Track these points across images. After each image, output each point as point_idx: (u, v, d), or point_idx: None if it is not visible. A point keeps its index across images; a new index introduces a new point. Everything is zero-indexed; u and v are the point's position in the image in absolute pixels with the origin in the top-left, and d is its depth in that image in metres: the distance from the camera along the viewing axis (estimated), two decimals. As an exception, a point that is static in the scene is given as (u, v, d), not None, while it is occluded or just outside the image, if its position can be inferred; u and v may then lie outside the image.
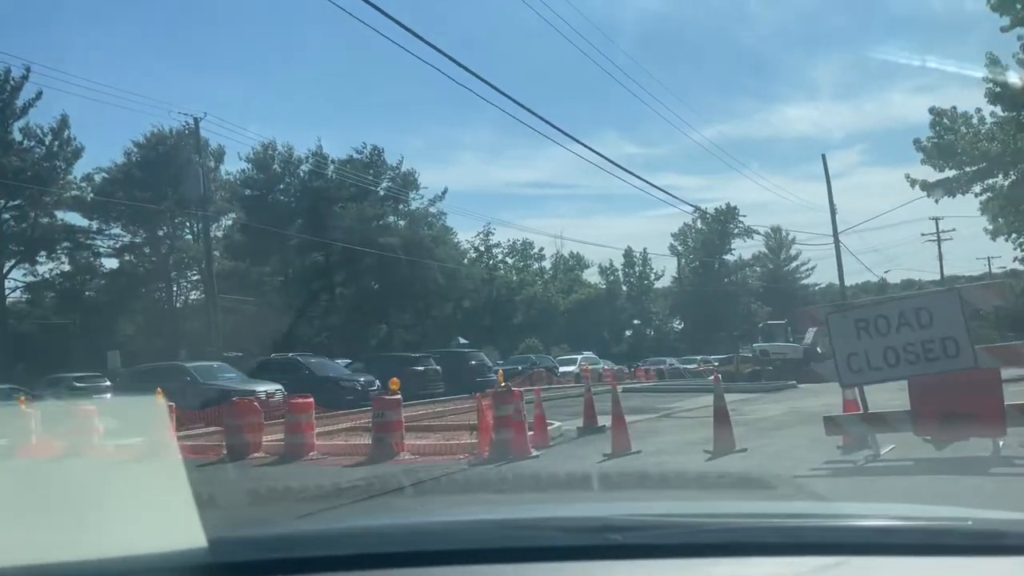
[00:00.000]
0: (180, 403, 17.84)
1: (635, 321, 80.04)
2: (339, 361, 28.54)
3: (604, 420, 13.55)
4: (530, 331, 68.09)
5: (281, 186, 52.66)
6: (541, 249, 78.24)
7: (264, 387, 19.83)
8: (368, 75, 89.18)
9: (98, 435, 16.72)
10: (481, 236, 70.66)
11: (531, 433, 11.58)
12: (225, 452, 13.34)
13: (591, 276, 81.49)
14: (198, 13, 75.05)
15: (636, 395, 25.61)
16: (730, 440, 9.26)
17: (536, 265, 79.77)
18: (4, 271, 42.20)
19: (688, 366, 47.83)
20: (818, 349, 34.16)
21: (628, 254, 78.19)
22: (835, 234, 41.71)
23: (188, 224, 47.96)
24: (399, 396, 12.10)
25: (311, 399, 13.14)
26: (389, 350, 44.62)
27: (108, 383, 27.67)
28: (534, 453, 10.84)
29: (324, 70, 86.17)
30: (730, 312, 75.81)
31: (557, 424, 13.57)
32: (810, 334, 34.68)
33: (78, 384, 28.95)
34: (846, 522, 1.91)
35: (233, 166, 54.02)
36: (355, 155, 55.04)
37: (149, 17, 71.78)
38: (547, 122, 18.24)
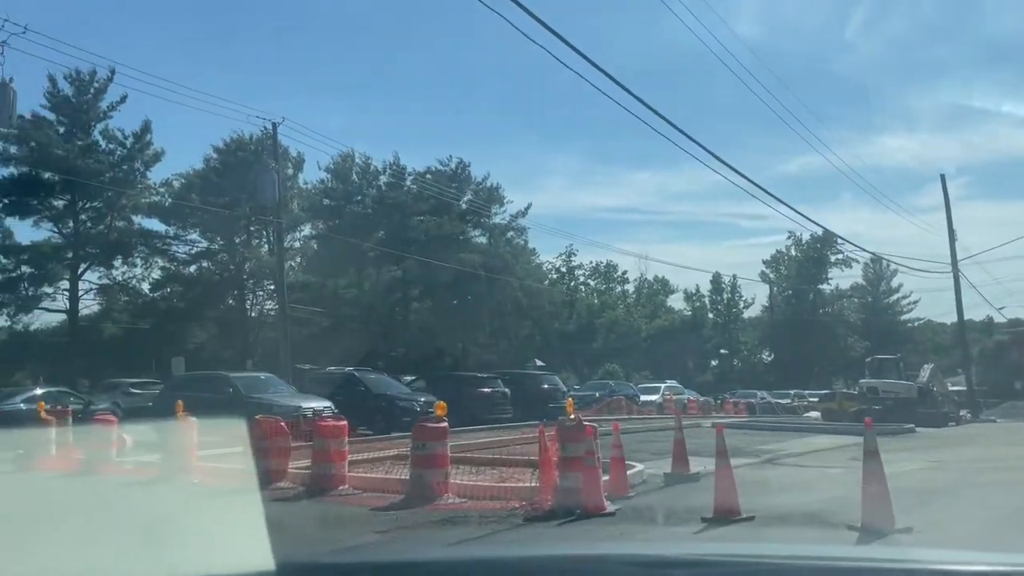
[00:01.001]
0: (220, 415, 16.18)
1: (722, 350, 76.28)
2: (405, 378, 26.63)
3: (697, 464, 11.08)
4: (610, 356, 65.35)
5: (359, 197, 51.57)
6: (624, 272, 75.44)
7: (311, 404, 17.94)
8: (457, 98, 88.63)
9: (118, 449, 15.17)
10: (563, 257, 68.42)
11: (605, 477, 9.20)
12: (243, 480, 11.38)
13: (676, 302, 78.26)
14: (284, 19, 75.69)
15: (728, 432, 22.85)
16: (886, 510, 6.65)
17: (619, 288, 76.93)
18: (79, 273, 42.08)
19: (781, 401, 44.26)
20: (933, 388, 30.58)
21: (716, 280, 74.58)
22: (954, 262, 37.61)
23: (264, 232, 47.21)
24: (445, 424, 9.89)
25: (344, 423, 11.09)
26: (464, 370, 42.58)
27: (163, 390, 26.38)
28: (609, 507, 8.45)
29: (416, 90, 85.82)
30: (825, 345, 71.36)
31: (639, 467, 11.13)
32: (925, 371, 31.10)
33: (134, 390, 27.83)
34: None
35: (311, 176, 53.26)
36: (440, 166, 53.66)
37: (237, 20, 72.49)
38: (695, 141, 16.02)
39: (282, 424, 11.38)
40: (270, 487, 10.90)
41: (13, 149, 39.92)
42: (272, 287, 45.57)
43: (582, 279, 73.38)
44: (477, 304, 53.90)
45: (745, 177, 18.80)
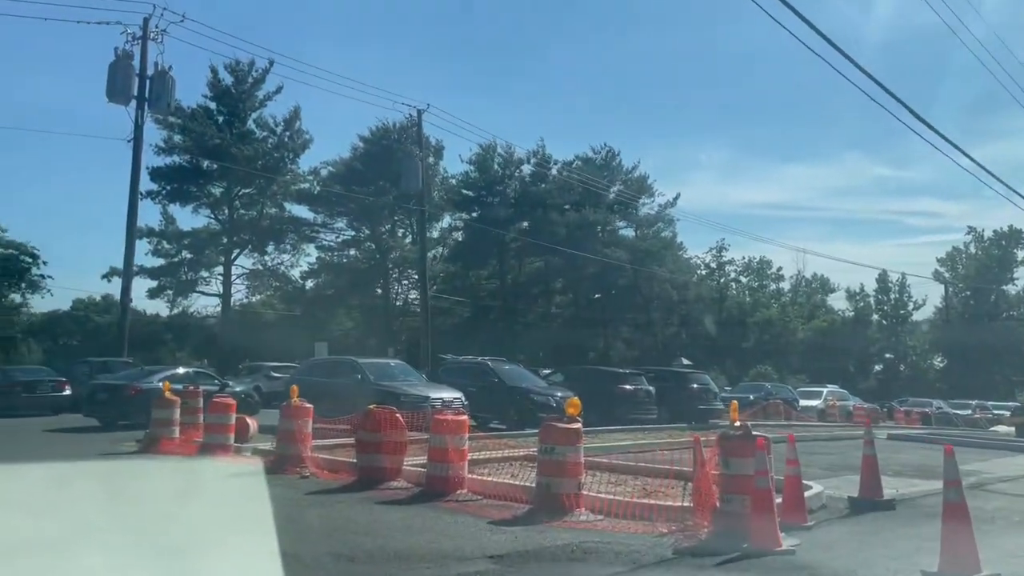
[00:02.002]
0: (347, 403, 15.32)
1: (887, 355, 70.51)
2: (542, 371, 25.21)
3: (889, 487, 8.97)
4: (762, 357, 61.61)
5: (501, 187, 50.69)
6: (779, 269, 71.06)
7: (441, 394, 16.79)
8: (605, 88, 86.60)
9: (242, 434, 14.50)
10: (713, 252, 65.10)
11: (777, 500, 7.32)
12: (356, 475, 10.24)
13: (837, 301, 73.08)
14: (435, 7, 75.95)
15: (906, 445, 19.99)
16: None
17: (773, 286, 72.65)
18: (233, 259, 43.39)
19: (960, 412, 39.70)
20: None
21: (882, 279, 68.95)
22: None
23: (408, 222, 47.22)
24: (579, 425, 8.29)
25: (464, 418, 9.69)
26: (605, 366, 40.79)
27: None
28: (786, 544, 6.58)
29: (559, 78, 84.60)
30: (1008, 351, 64.37)
31: (816, 488, 9.10)
32: None
33: (275, 374, 27.91)
34: None
35: (453, 165, 52.99)
36: (591, 154, 51.92)
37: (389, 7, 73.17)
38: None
39: (398, 416, 10.12)
40: (381, 486, 9.71)
41: (177, 138, 41.58)
42: (416, 276, 45.50)
43: (733, 275, 69.74)
44: (621, 298, 51.98)
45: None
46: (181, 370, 21.73)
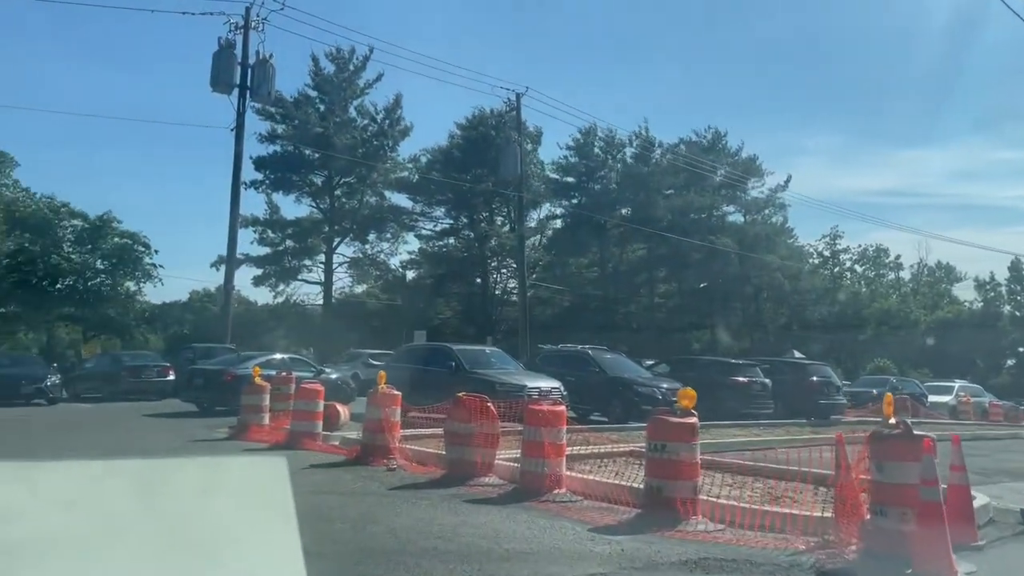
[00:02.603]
0: (440, 392, 14.60)
1: (1020, 348, 65.38)
2: (645, 362, 23.93)
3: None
4: (880, 350, 58.05)
5: (602, 172, 49.27)
6: (898, 257, 67.03)
7: (538, 383, 15.83)
8: (710, 68, 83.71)
9: (333, 422, 13.95)
10: (826, 240, 61.82)
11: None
12: (445, 469, 9.39)
13: (964, 291, 68.38)
14: None
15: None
16: None
17: (891, 275, 68.61)
18: (334, 247, 43.66)
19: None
20: None
21: (1015, 267, 63.98)
22: None
23: (506, 209, 46.49)
24: (695, 419, 7.15)
25: (562, 408, 8.67)
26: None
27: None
28: (961, 571, 5.30)
29: (658, 60, 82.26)
30: None
31: (980, 500, 7.65)
32: None
33: (373, 362, 27.59)
34: None
35: (552, 152, 51.87)
36: (695, 137, 49.90)
37: None
38: None
39: (489, 405, 9.21)
40: (471, 482, 8.82)
41: (279, 128, 42.10)
42: (514, 265, 44.77)
43: (847, 264, 66.20)
44: (729, 287, 49.84)
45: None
46: (278, 356, 21.57)
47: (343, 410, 14.80)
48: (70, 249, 39.75)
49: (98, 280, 40.74)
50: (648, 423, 7.28)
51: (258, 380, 14.10)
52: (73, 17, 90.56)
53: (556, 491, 8.12)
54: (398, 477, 9.49)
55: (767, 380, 19.75)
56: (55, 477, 4.67)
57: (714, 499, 7.34)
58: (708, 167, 47.41)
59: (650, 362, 23.27)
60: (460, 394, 9.49)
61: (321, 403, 12.56)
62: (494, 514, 7.28)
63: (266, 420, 13.73)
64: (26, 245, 38.76)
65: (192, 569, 3.40)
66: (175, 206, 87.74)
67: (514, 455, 9.74)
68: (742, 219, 51.78)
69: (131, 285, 41.73)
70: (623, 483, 8.08)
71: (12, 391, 20.73)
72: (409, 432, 11.84)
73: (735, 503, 7.34)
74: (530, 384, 15.62)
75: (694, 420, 7.13)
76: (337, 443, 12.21)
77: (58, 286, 39.83)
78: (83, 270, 39.94)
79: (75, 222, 40.16)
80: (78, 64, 76.10)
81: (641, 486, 7.53)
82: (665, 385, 17.74)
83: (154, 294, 45.78)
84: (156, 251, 41.27)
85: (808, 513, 6.73)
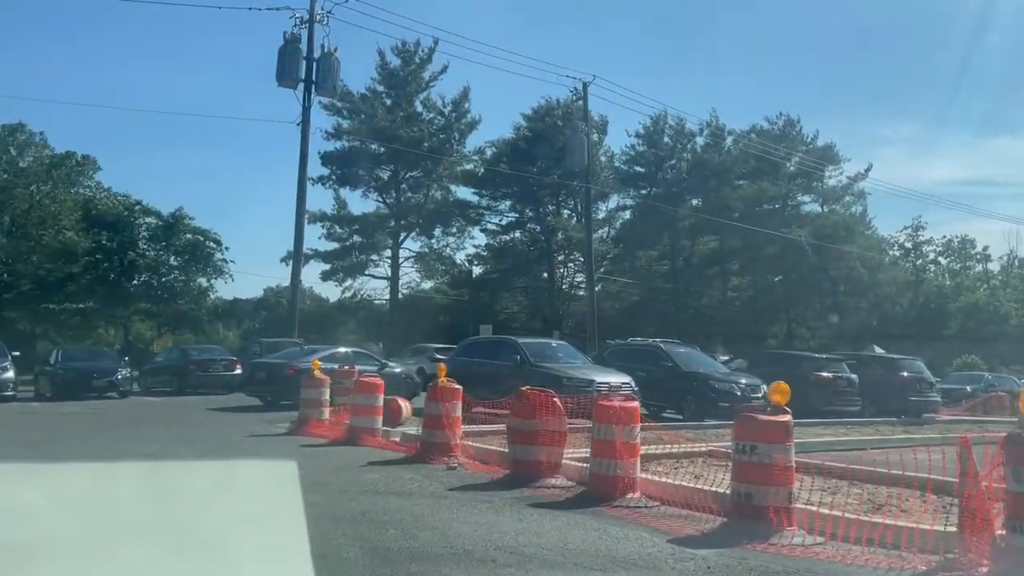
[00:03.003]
0: (505, 386, 13.98)
1: (1121, 343, 61.46)
2: (719, 357, 22.90)
3: None
4: (967, 346, 55.18)
5: (671, 162, 47.96)
6: (986, 248, 63.73)
7: (608, 378, 15.05)
8: (781, 56, 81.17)
9: (395, 417, 13.46)
10: (907, 231, 59.13)
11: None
12: (508, 469, 8.74)
13: (1060, 283, 64.56)
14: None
15: None
16: None
17: (979, 268, 65.34)
18: (400, 242, 43.52)
19: None
20: None
21: (1118, 256, 60.13)
22: None
23: (572, 201, 45.66)
24: (789, 418, 6.32)
25: (635, 404, 7.90)
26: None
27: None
28: None
29: (720, 43, 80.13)
30: None
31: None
32: None
33: (438, 356, 27.16)
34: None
35: (619, 141, 50.76)
36: (766, 125, 48.16)
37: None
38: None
39: (555, 400, 8.52)
40: (536, 483, 8.15)
41: (345, 123, 42.14)
42: (581, 259, 43.96)
43: (931, 256, 63.25)
44: (805, 280, 47.99)
45: None
46: (342, 350, 21.34)
47: (405, 405, 14.33)
48: (145, 246, 40.53)
49: (171, 276, 41.48)
50: (735, 421, 6.47)
51: (317, 373, 13.69)
52: (139, 16, 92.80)
53: (629, 495, 7.39)
54: (458, 476, 8.89)
55: (853, 376, 18.55)
56: (63, 479, 4.18)
57: (810, 507, 6.50)
58: (782, 155, 45.68)
59: (724, 357, 22.22)
60: (524, 388, 8.82)
61: (381, 397, 12.05)
62: (561, 520, 6.59)
63: (326, 415, 13.33)
64: (104, 243, 39.65)
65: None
66: (247, 203, 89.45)
67: (582, 455, 9.04)
68: (819, 209, 49.83)
69: (203, 281, 42.37)
70: (705, 487, 7.27)
71: (85, 385, 20.98)
72: (472, 428, 11.24)
73: (835, 512, 6.48)
74: (599, 379, 14.86)
75: (788, 418, 6.31)
76: (397, 439, 11.70)
77: (134, 282, 40.69)
78: (157, 266, 40.70)
79: (149, 219, 40.92)
80: (145, 63, 77.99)
81: (726, 491, 6.74)
82: (743, 380, 16.75)
83: (227, 290, 46.45)
84: (227, 247, 41.84)
85: (925, 526, 5.84)
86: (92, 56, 73.81)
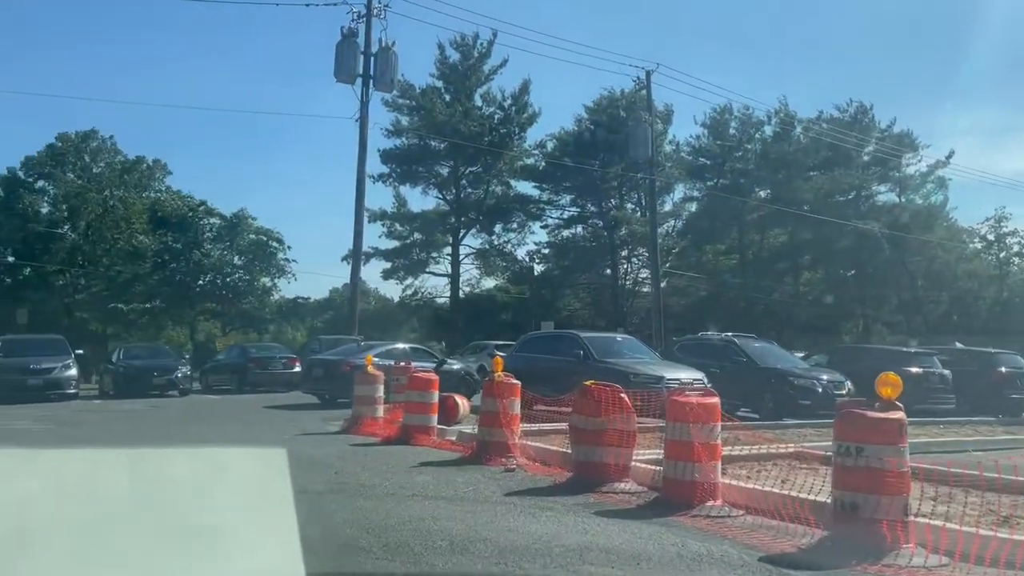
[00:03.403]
0: (567, 384, 13.18)
1: None
2: (795, 353, 21.63)
3: None
4: (1059, 342, 52.17)
5: (739, 153, 46.33)
6: (1076, 242, 59.96)
7: (679, 374, 14.10)
8: (852, 39, 78.29)
9: (452, 415, 12.78)
10: (990, 223, 56.09)
11: None
12: (571, 471, 7.93)
13: None
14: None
15: None
16: None
17: (1068, 261, 61.61)
18: (460, 238, 43.01)
19: None
20: None
21: None
22: None
23: (636, 195, 44.48)
24: (901, 414, 5.35)
25: (715, 400, 6.99)
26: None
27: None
28: None
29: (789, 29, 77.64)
30: None
31: None
32: None
33: (498, 352, 26.49)
34: None
35: (683, 131, 49.19)
36: (836, 113, 46.16)
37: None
38: None
39: (623, 396, 7.68)
40: (602, 488, 7.33)
41: (404, 120, 41.79)
42: (646, 253, 42.80)
43: (1015, 248, 59.94)
44: (881, 273, 45.85)
45: None
46: (400, 346, 20.82)
47: (462, 402, 13.62)
48: (209, 246, 40.94)
49: (235, 276, 41.81)
50: (837, 419, 5.53)
51: (371, 369, 13.10)
52: (196, 14, 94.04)
53: (709, 502, 6.51)
54: (517, 479, 8.13)
55: (946, 371, 17.18)
56: (41, 466, 3.63)
57: (926, 520, 5.54)
58: (856, 143, 43.68)
59: (799, 354, 20.98)
60: (588, 382, 8.00)
61: (435, 394, 11.36)
62: (632, 532, 5.76)
63: (380, 412, 12.73)
64: (170, 243, 40.18)
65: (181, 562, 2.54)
66: (310, 202, 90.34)
67: (653, 456, 8.20)
68: (895, 199, 47.59)
69: (266, 280, 42.60)
70: (801, 495, 6.33)
71: (145, 383, 20.97)
72: (531, 428, 10.48)
73: (954, 525, 5.51)
74: (668, 375, 13.93)
75: (901, 415, 5.35)
76: (453, 439, 11.01)
77: (200, 282, 41.15)
78: (221, 266, 41.06)
79: (212, 220, 41.32)
80: (201, 60, 79.00)
81: (826, 500, 5.82)
82: (825, 376, 15.61)
83: (291, 289, 46.63)
84: (289, 247, 41.99)
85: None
86: (150, 55, 74.91)
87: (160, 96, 71.40)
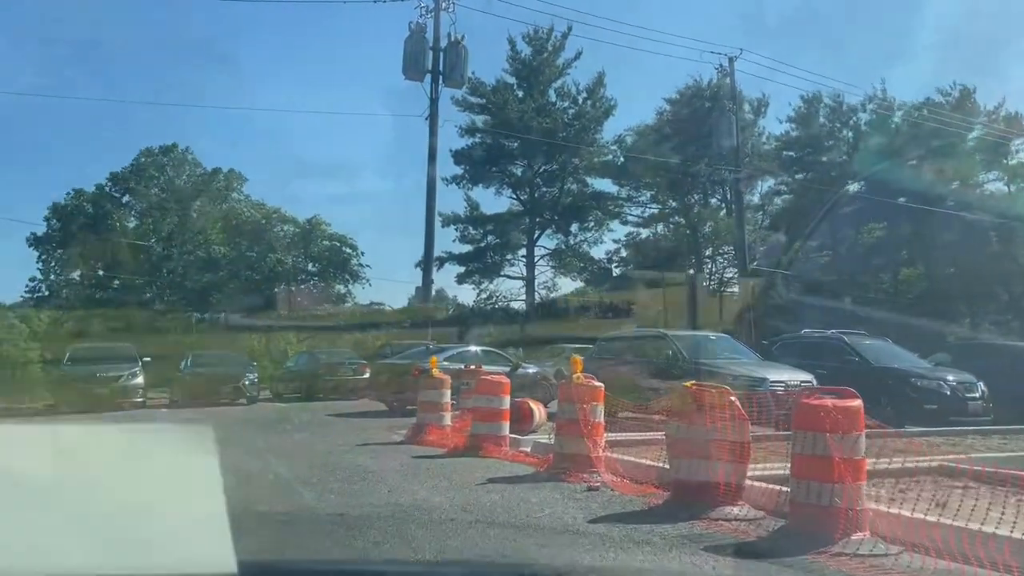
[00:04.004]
0: (655, 385, 11.81)
1: None
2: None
3: None
4: None
5: (830, 143, 43.69)
6: None
7: (783, 375, 12.43)
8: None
9: (525, 423, 11.46)
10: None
11: None
12: (668, 491, 6.49)
13: None
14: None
15: None
16: None
17: None
18: (535, 239, 41.70)
19: None
20: None
21: None
22: None
23: (721, 190, 42.35)
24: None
25: (857, 403, 5.47)
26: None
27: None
28: None
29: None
30: None
31: None
32: None
33: (577, 356, 25.08)
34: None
35: (772, 122, 46.55)
36: (938, 97, 43.12)
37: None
38: None
39: (733, 398, 6.21)
40: (709, 513, 5.87)
41: (477, 119, 40.79)
42: (732, 250, 40.73)
43: None
44: (989, 268, 42.52)
45: None
46: (472, 349, 19.65)
47: (538, 409, 12.28)
48: (283, 254, 40.75)
49: (310, 283, 41.54)
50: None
51: (436, 372, 11.89)
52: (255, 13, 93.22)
53: (855, 535, 4.99)
54: (602, 500, 6.75)
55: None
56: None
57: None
58: (962, 128, 40.57)
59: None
60: (688, 384, 6.55)
61: (506, 399, 10.07)
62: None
63: (447, 420, 11.48)
64: (244, 252, 40.15)
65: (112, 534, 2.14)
66: (383, 208, 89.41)
67: (770, 473, 6.69)
68: (1005, 188, 44.19)
69: (341, 287, 42.21)
70: (978, 527, 4.74)
71: (212, 391, 20.37)
72: (618, 436, 9.08)
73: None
74: (772, 376, 12.29)
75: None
76: (527, 450, 9.68)
77: (275, 289, 40.99)
78: (296, 273, 40.83)
79: (286, 227, 41.16)
80: (268, 64, 78.08)
81: (1020, 536, 4.26)
82: (952, 377, 13.67)
83: (366, 295, 46.15)
84: (363, 252, 41.48)
85: None
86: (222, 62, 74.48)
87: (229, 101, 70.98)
